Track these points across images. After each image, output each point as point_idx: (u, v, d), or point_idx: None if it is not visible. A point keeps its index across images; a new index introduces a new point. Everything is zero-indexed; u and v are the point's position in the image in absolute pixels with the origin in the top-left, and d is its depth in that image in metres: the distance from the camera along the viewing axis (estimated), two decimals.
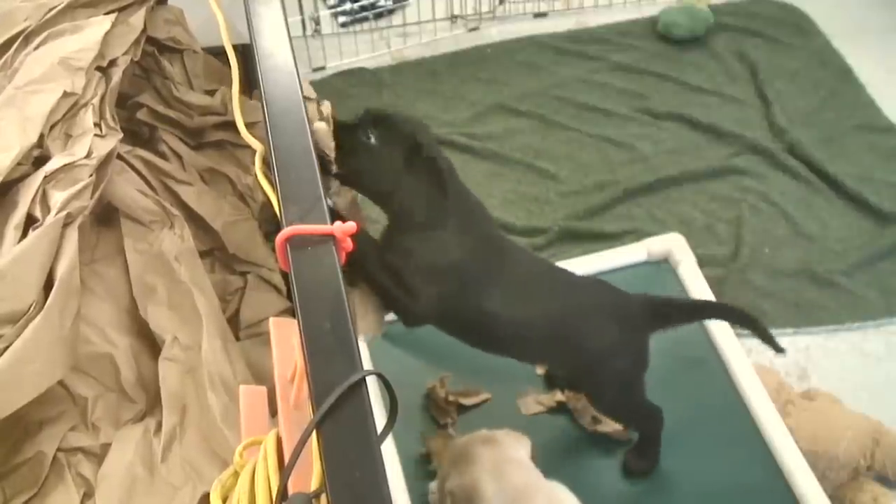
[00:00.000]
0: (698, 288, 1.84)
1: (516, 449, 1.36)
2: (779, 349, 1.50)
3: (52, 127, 1.34)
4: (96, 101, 1.39)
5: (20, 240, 1.21)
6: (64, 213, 1.23)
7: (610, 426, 1.62)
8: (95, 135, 1.34)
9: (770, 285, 2.18)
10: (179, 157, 1.60)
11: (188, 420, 1.27)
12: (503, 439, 1.37)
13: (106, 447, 1.25)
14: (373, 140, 1.25)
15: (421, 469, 1.58)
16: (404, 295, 1.28)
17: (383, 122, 1.27)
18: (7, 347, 1.12)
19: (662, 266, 1.91)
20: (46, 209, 1.25)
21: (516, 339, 1.38)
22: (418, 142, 1.25)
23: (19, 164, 1.30)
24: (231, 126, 1.62)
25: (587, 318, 1.40)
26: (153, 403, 1.33)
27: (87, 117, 1.36)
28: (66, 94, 1.36)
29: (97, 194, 1.31)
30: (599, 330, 1.39)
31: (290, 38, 1.12)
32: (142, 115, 1.62)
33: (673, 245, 1.92)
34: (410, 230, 1.27)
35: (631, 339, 1.42)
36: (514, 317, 1.33)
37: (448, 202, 1.26)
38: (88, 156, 1.31)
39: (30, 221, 1.24)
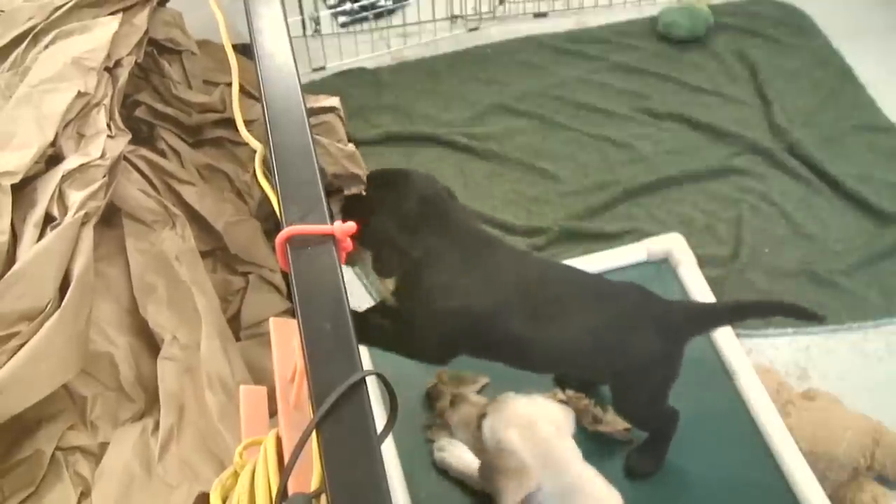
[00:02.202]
0: (698, 288, 1.84)
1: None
2: (821, 318, 1.47)
3: (65, 126, 1.35)
4: (107, 101, 1.40)
5: (39, 238, 1.23)
6: (82, 212, 1.24)
7: (610, 426, 1.62)
8: (108, 136, 1.35)
9: (770, 285, 2.18)
10: (178, 154, 1.61)
11: (185, 419, 1.27)
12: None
13: (104, 446, 1.25)
14: (376, 201, 1.32)
15: (421, 467, 1.57)
16: (421, 344, 1.35)
17: (379, 180, 1.34)
18: (23, 344, 1.13)
19: (662, 266, 1.91)
20: (64, 208, 1.27)
21: (555, 358, 1.42)
22: (411, 192, 1.31)
23: (34, 162, 1.31)
24: (229, 123, 1.63)
25: (630, 329, 1.40)
26: (152, 402, 1.33)
27: (101, 118, 1.38)
28: (80, 94, 1.37)
29: (108, 194, 1.32)
30: (642, 340, 1.40)
31: (290, 38, 1.12)
32: (141, 112, 1.62)
33: (673, 245, 1.92)
34: (420, 278, 1.31)
35: (672, 349, 1.43)
36: (550, 338, 1.36)
37: (458, 243, 1.31)
38: (103, 156, 1.32)
39: (47, 220, 1.26)
